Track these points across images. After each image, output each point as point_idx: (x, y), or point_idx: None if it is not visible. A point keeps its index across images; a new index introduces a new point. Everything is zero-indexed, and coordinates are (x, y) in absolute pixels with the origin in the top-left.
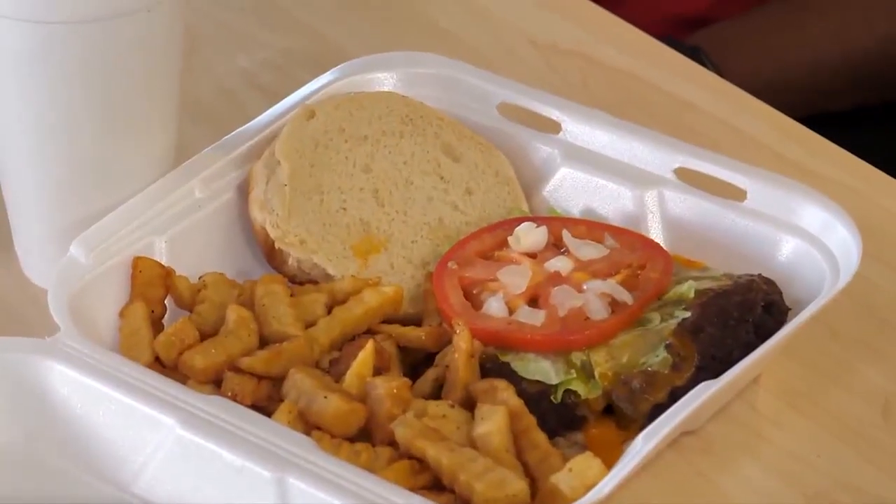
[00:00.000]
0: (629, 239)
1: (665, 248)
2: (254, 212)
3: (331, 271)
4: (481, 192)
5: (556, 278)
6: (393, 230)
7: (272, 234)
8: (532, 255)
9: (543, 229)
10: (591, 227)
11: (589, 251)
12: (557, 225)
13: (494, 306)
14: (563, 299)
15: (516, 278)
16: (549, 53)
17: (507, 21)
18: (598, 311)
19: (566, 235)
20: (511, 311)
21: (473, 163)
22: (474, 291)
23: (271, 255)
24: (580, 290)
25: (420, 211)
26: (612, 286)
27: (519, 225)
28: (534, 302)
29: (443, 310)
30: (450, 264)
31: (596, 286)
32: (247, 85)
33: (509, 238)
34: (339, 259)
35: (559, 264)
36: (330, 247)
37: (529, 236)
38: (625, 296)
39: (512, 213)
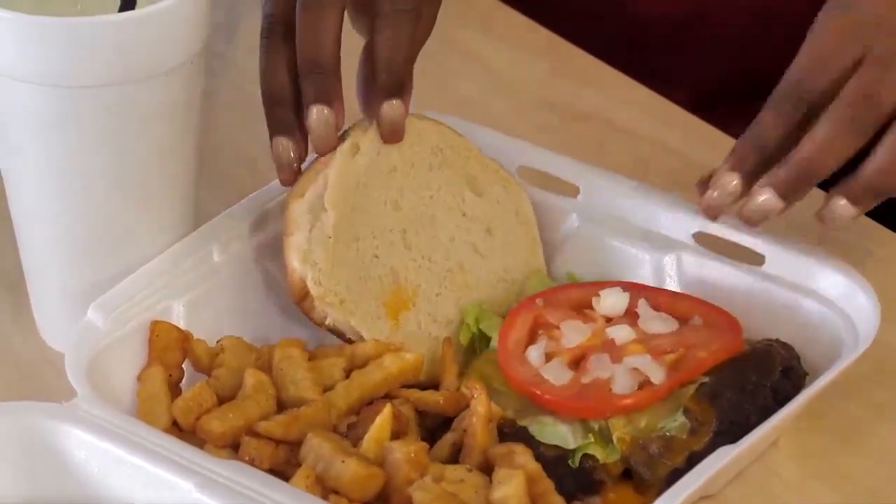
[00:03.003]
0: (716, 317)
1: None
2: (293, 260)
3: (365, 335)
4: (501, 233)
5: (608, 345)
6: (420, 280)
7: (314, 291)
8: (608, 319)
9: (624, 296)
10: (693, 303)
11: (657, 325)
12: (651, 295)
13: (533, 355)
14: (595, 368)
15: (573, 333)
16: (567, 117)
17: (525, 85)
18: (623, 387)
19: (642, 306)
20: None
21: (495, 198)
22: (539, 332)
23: (302, 299)
24: (619, 362)
25: (443, 255)
26: (647, 364)
27: (609, 287)
28: (577, 362)
29: (501, 340)
30: (538, 301)
31: (630, 361)
32: (266, 152)
33: (594, 298)
34: (373, 320)
35: (619, 333)
36: (366, 306)
37: (607, 299)
38: (657, 376)
39: (529, 262)
